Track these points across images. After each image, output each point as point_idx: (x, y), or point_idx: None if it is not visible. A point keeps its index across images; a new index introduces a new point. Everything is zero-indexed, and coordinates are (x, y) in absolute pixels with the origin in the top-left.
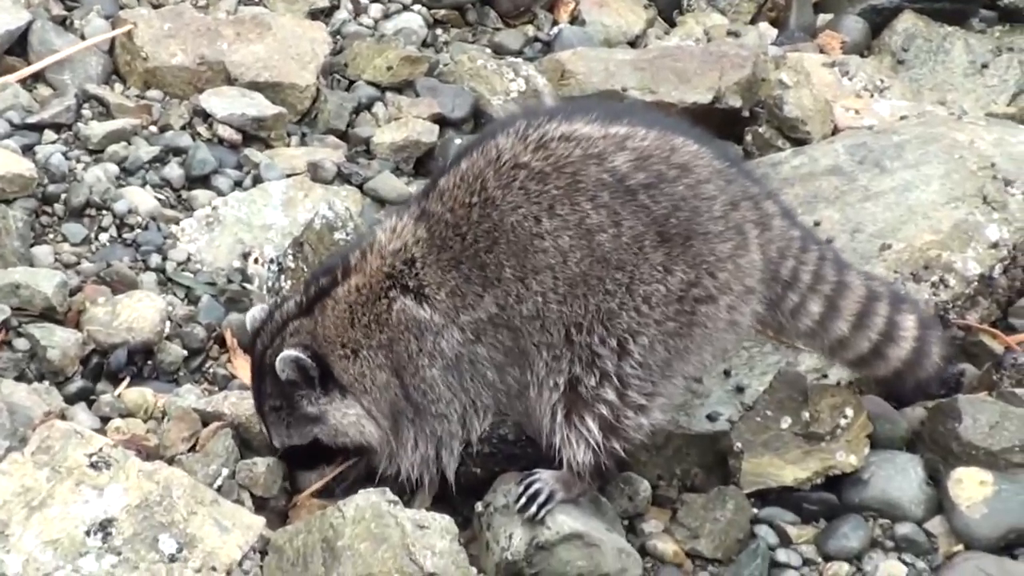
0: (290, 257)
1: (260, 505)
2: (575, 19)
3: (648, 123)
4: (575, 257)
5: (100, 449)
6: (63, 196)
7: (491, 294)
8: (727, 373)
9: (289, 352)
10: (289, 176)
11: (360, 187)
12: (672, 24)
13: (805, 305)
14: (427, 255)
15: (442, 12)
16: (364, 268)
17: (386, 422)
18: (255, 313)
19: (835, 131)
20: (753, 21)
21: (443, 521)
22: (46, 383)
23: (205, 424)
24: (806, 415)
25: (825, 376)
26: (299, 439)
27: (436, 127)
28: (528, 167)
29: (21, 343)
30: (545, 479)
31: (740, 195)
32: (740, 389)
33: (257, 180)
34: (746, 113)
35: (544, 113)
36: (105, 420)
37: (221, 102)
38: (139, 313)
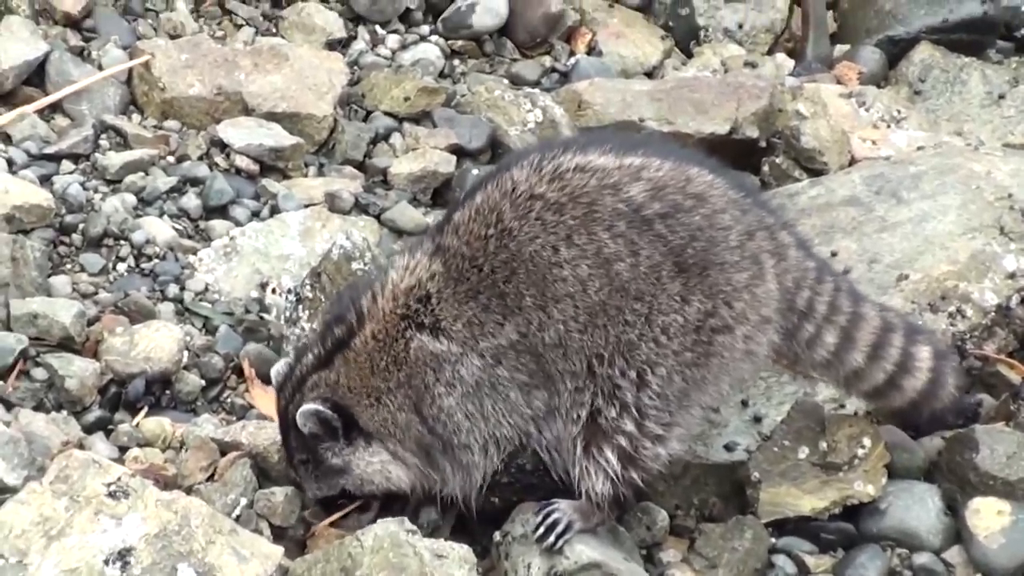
0: (308, 287)
1: (278, 534)
2: (592, 50)
3: (663, 154)
4: (594, 286)
5: (118, 479)
6: (81, 226)
7: (512, 322)
8: (744, 403)
9: (309, 406)
10: (307, 206)
11: (378, 217)
12: (689, 55)
13: (820, 336)
14: (443, 289)
15: (459, 43)
16: (377, 313)
17: (415, 459)
18: (279, 368)
19: (852, 162)
20: (770, 52)
21: (461, 551)
22: (64, 413)
23: (223, 454)
24: (824, 445)
25: (843, 406)
26: (328, 490)
27: (453, 157)
28: (544, 198)
29: (39, 373)
30: (563, 509)
31: (756, 225)
32: (758, 419)
33: (275, 210)
34: (763, 144)
35: (558, 145)
36: (123, 450)
37: (238, 132)
38: (157, 343)
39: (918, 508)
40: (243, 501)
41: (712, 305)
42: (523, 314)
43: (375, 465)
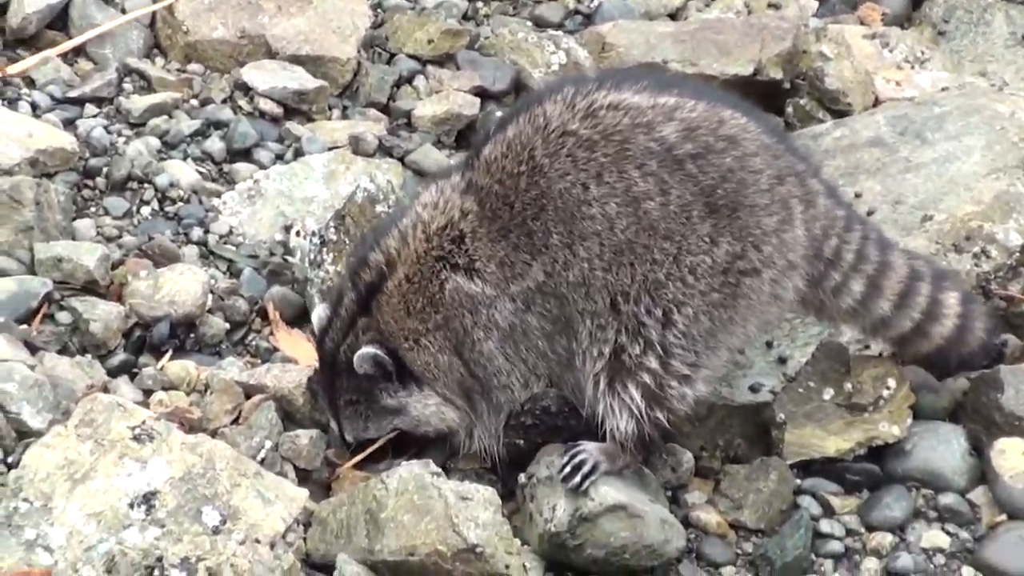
0: (332, 230)
1: (303, 477)
2: None
3: (697, 94)
4: (622, 224)
5: (143, 422)
6: (105, 170)
7: (539, 261)
8: (769, 344)
9: (368, 349)
10: (330, 149)
11: (401, 160)
12: None
13: (847, 284)
14: (477, 228)
15: None
16: (409, 255)
17: (462, 402)
18: (320, 313)
19: (876, 103)
20: None
21: (486, 493)
22: (88, 356)
23: (248, 397)
24: (848, 386)
25: (868, 347)
26: (376, 431)
27: (477, 100)
28: (576, 135)
29: (63, 316)
30: (589, 451)
31: (787, 171)
32: (782, 360)
33: (298, 153)
34: (787, 85)
35: (592, 80)
36: (148, 393)
37: (262, 75)
38: (181, 286)
39: (943, 449)
40: (268, 444)
41: (741, 247)
42: (550, 252)
43: (431, 408)
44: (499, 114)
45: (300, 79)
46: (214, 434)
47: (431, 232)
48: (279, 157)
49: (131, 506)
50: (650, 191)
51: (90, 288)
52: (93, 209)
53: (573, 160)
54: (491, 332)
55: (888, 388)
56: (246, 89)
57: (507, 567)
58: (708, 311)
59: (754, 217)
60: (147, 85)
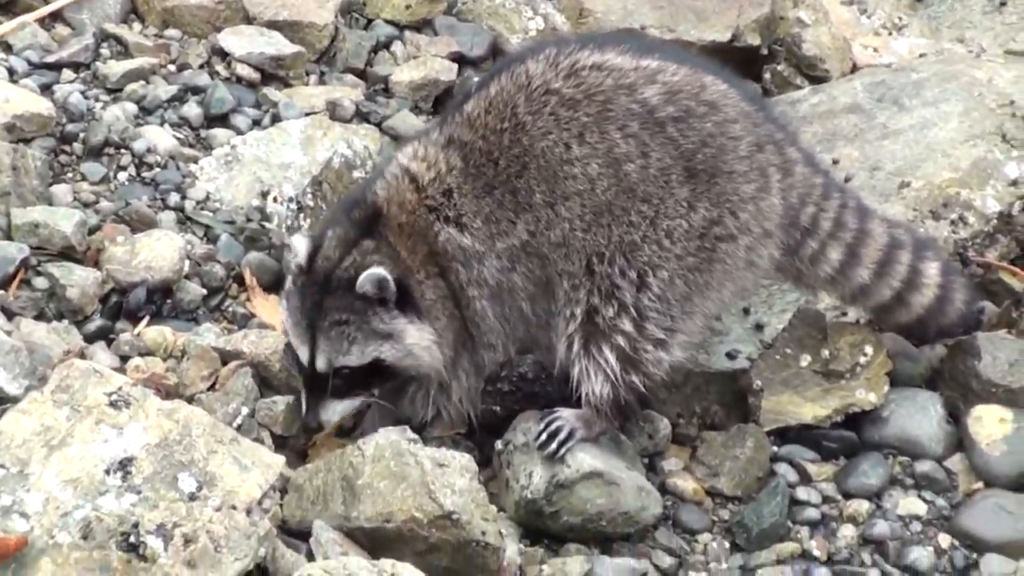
0: (309, 196)
1: (280, 444)
2: None
3: (679, 59)
4: (602, 185)
5: (119, 388)
6: (82, 135)
7: (523, 220)
8: (746, 311)
9: (377, 270)
10: (308, 115)
11: (379, 125)
12: None
13: (824, 252)
14: (463, 184)
15: None
16: (404, 204)
17: (449, 351)
18: (300, 240)
19: (854, 69)
20: None
21: (463, 459)
22: (65, 322)
23: (224, 363)
24: (826, 353)
25: (844, 314)
26: (357, 357)
27: (455, 66)
28: (559, 93)
29: (40, 282)
30: (566, 417)
31: (765, 138)
32: (759, 327)
33: (276, 119)
34: (764, 51)
35: (575, 41)
36: (124, 359)
37: (239, 41)
38: (158, 252)
39: (920, 416)
40: (244, 410)
41: (718, 213)
42: (533, 211)
43: (425, 341)
44: (476, 80)
45: (277, 44)
46: (190, 400)
47: (422, 183)
48: (256, 123)
49: (107, 472)
50: (631, 153)
51: (67, 254)
52: (70, 174)
53: (556, 119)
54: (482, 289)
55: (865, 355)
56: (223, 54)
57: (483, 533)
58: (683, 275)
59: (732, 183)
60: (124, 50)
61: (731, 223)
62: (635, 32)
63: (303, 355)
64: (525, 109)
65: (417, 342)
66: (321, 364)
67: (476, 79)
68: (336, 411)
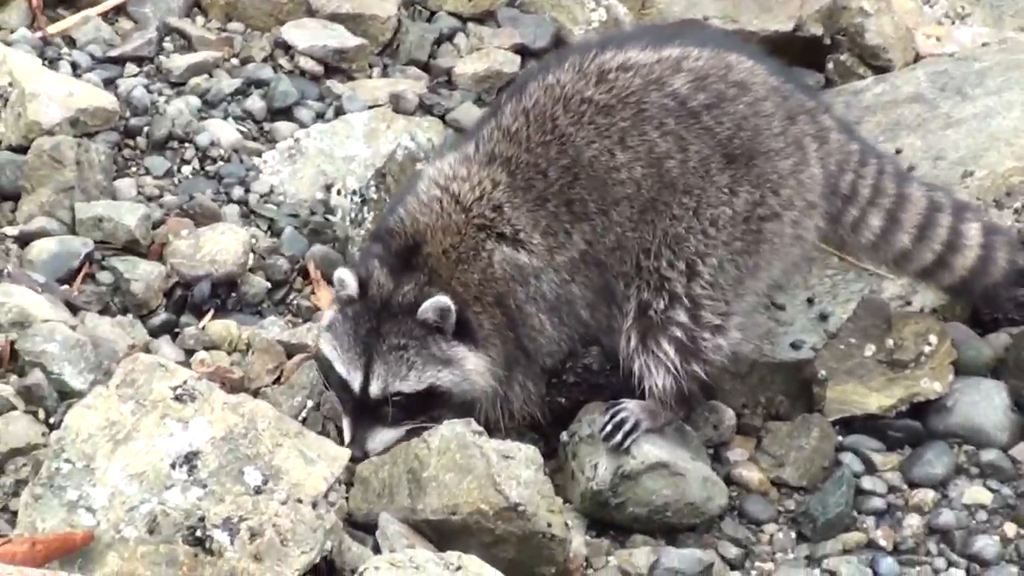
0: (372, 188)
1: None
2: None
3: (699, 41)
4: (647, 184)
5: (184, 382)
6: (145, 129)
7: (578, 230)
8: (810, 301)
9: (442, 298)
10: (371, 107)
11: (442, 118)
12: None
13: (865, 219)
14: (513, 198)
15: None
16: (448, 224)
17: (503, 372)
18: (347, 272)
19: (916, 58)
20: None
21: (528, 451)
22: (130, 316)
23: (289, 356)
24: (890, 342)
25: (909, 303)
26: (414, 382)
27: (518, 57)
28: (593, 102)
29: (105, 276)
30: (631, 408)
31: (797, 110)
32: (824, 317)
33: (339, 112)
34: (827, 41)
35: (596, 45)
36: (189, 353)
37: (302, 34)
38: (222, 245)
39: (985, 405)
40: (309, 403)
41: (760, 195)
42: (588, 220)
43: (481, 368)
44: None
45: (340, 37)
46: (256, 394)
47: (467, 203)
48: (320, 116)
49: (173, 466)
50: (670, 150)
51: (131, 248)
52: (134, 169)
53: (596, 128)
54: (539, 304)
55: (929, 344)
56: (286, 47)
57: (549, 525)
58: (733, 259)
59: (770, 163)
60: (187, 44)
61: (774, 202)
62: (693, 25)
63: (355, 381)
64: (566, 121)
65: (475, 368)
66: (375, 389)
67: (496, 98)
68: (383, 441)
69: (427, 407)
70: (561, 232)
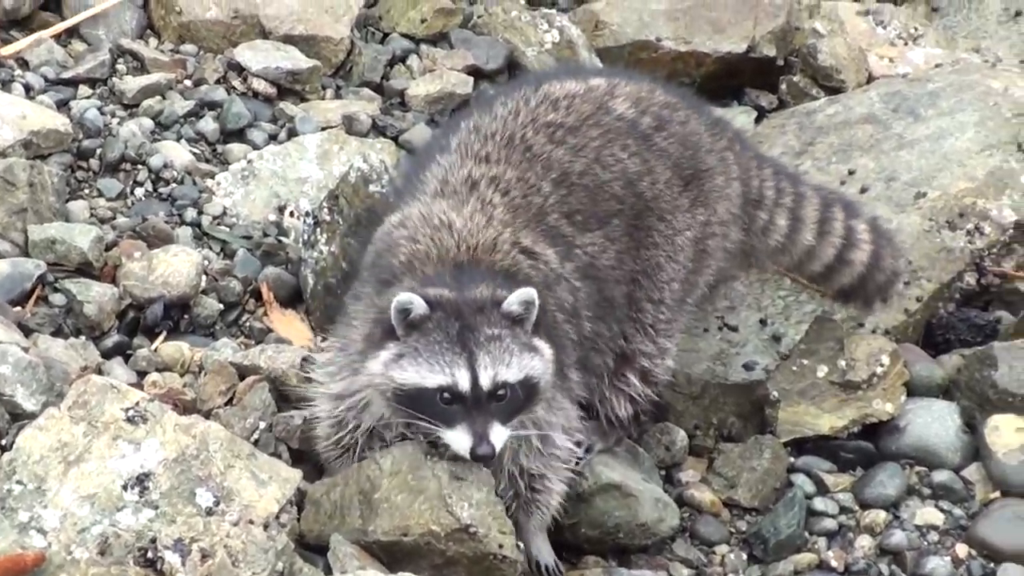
0: (325, 210)
1: (297, 458)
2: None
3: (600, 73)
4: (628, 204)
5: (137, 403)
6: (98, 151)
7: (580, 241)
8: (763, 322)
9: (528, 289)
10: (324, 129)
11: (395, 139)
12: None
13: (774, 221)
14: (515, 219)
15: None
16: (478, 243)
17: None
18: (411, 295)
19: (869, 79)
20: None
21: (480, 473)
22: (83, 338)
23: (242, 378)
24: (842, 363)
25: (861, 324)
26: (516, 371)
27: (471, 79)
28: (558, 123)
29: (57, 298)
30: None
31: (711, 124)
32: (776, 338)
33: (292, 133)
34: (780, 62)
35: (517, 86)
36: (142, 374)
37: (256, 56)
38: (175, 267)
39: (937, 426)
40: (262, 425)
41: (708, 214)
42: (588, 232)
43: (551, 357)
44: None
45: (293, 59)
46: (208, 415)
47: (481, 248)
48: (272, 137)
49: (125, 488)
50: (640, 172)
51: (84, 270)
52: (87, 191)
53: (571, 146)
54: (563, 311)
55: (882, 365)
56: (239, 69)
57: (500, 546)
58: (683, 280)
59: (711, 180)
60: (140, 66)
61: (715, 219)
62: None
63: (463, 379)
64: (541, 140)
65: (551, 358)
66: (485, 380)
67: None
68: (501, 437)
69: (523, 403)
70: (564, 244)
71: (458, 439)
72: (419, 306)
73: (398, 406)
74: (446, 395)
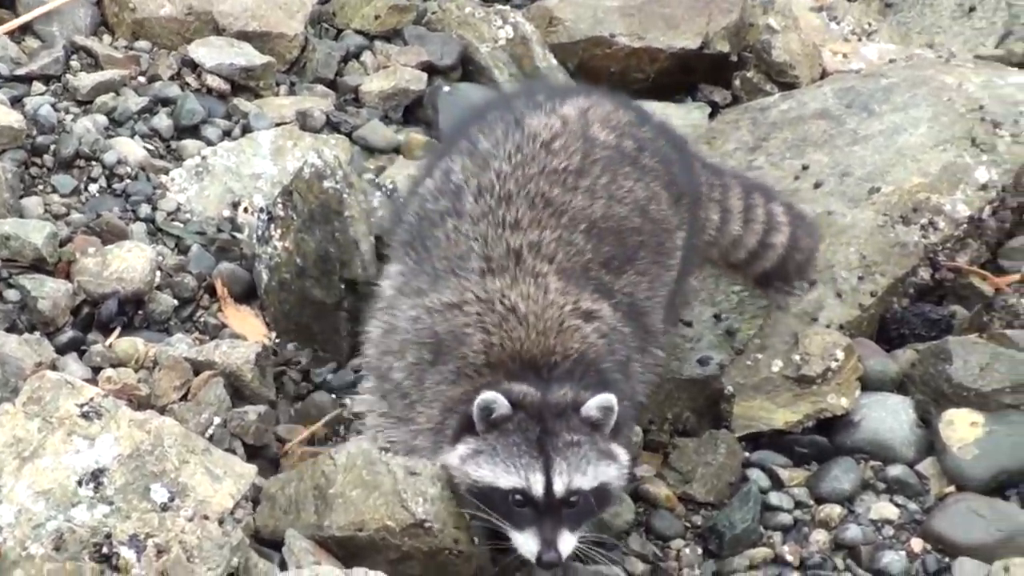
0: (279, 206)
1: (252, 453)
2: None
3: (557, 93)
4: (647, 231)
5: (91, 399)
6: (52, 147)
7: (617, 285)
8: (717, 318)
9: (608, 395)
10: (278, 125)
11: (349, 135)
12: None
13: (708, 216)
14: (568, 284)
15: None
16: (543, 330)
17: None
18: (492, 394)
19: (823, 75)
20: None
21: (434, 468)
22: (37, 334)
23: (196, 373)
24: (796, 358)
25: (815, 319)
26: (591, 479)
27: (424, 75)
28: (564, 169)
29: (12, 294)
30: None
31: (658, 132)
32: (730, 333)
33: (246, 130)
34: (734, 58)
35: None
36: (96, 370)
37: (209, 52)
38: (129, 263)
39: (891, 420)
40: (216, 420)
41: (689, 222)
42: (623, 275)
43: (628, 464)
44: (446, 89)
45: (247, 55)
46: (163, 411)
47: (548, 322)
48: (226, 134)
49: (79, 483)
50: (648, 196)
51: (38, 266)
52: (41, 187)
53: (584, 190)
54: (623, 371)
55: (836, 360)
56: (193, 66)
57: (456, 541)
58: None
59: (682, 190)
60: (94, 62)
61: (694, 227)
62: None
63: (536, 484)
64: (556, 192)
65: (626, 463)
66: (559, 486)
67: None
68: (570, 544)
69: (595, 509)
70: (606, 292)
71: (526, 543)
72: (502, 406)
73: (471, 499)
74: (518, 497)
